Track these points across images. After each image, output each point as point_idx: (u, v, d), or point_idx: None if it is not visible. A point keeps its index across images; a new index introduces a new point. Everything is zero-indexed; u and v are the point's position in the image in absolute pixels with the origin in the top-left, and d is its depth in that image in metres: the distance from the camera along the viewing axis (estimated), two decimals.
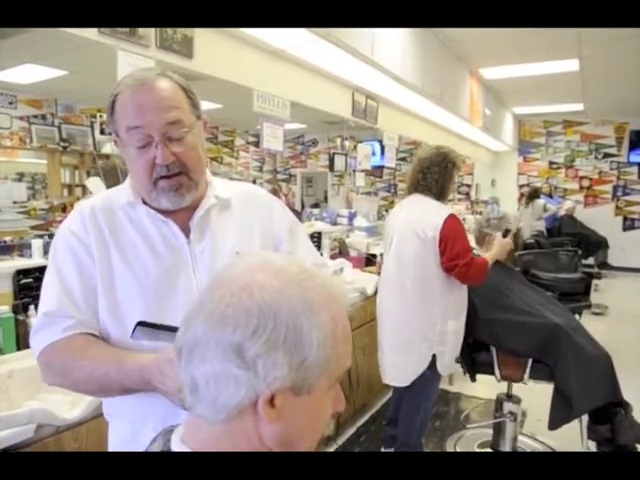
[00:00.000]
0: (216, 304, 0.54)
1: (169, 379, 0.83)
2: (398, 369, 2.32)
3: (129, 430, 0.99)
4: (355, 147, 4.72)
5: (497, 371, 2.44)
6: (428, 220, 2.21)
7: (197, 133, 0.97)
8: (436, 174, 2.27)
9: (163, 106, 0.91)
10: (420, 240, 2.21)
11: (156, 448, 0.62)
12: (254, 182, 10.15)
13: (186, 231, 0.98)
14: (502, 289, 2.46)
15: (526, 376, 2.36)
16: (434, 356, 2.23)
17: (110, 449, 1.04)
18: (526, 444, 2.79)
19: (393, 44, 3.68)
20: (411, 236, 2.25)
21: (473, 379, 2.63)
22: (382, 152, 5.24)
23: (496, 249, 2.35)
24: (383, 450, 2.65)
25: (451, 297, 2.25)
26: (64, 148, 6.87)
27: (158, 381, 0.85)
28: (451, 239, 2.17)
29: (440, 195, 2.30)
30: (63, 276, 0.95)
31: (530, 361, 2.34)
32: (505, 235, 2.40)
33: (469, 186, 9.54)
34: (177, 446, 0.59)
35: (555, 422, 2.24)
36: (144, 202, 0.99)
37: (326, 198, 10.10)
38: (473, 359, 2.54)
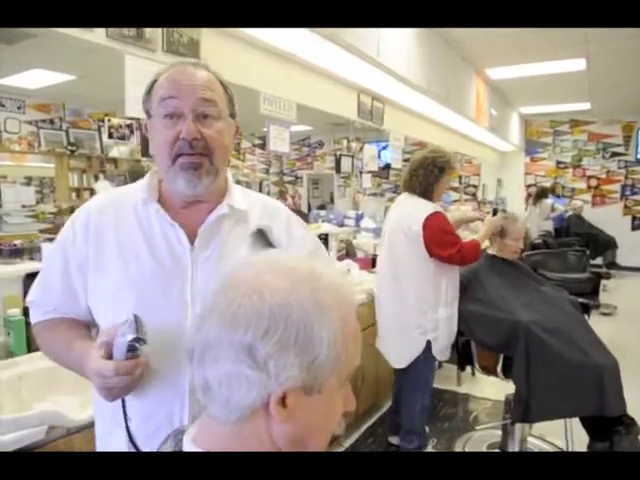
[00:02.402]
0: (228, 304, 0.54)
1: (92, 369, 0.84)
2: (398, 352, 2.50)
3: (105, 429, 0.98)
4: (361, 148, 4.72)
5: (476, 362, 2.50)
6: (412, 216, 2.38)
7: (227, 126, 0.97)
8: (420, 176, 2.42)
9: (199, 85, 0.93)
10: (405, 235, 2.39)
11: (168, 449, 0.63)
12: (260, 184, 10.19)
13: (193, 237, 0.96)
14: (486, 284, 2.49)
15: (499, 369, 2.38)
16: (429, 342, 2.39)
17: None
18: (535, 445, 2.76)
19: (398, 45, 3.68)
20: (398, 231, 2.44)
21: (462, 368, 2.75)
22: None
23: (485, 227, 2.51)
24: (390, 439, 2.79)
25: (442, 285, 2.39)
26: (72, 152, 6.92)
27: (90, 369, 0.86)
28: (437, 233, 2.32)
29: (425, 195, 2.44)
30: (48, 272, 1.02)
31: (502, 355, 2.35)
32: (494, 214, 2.57)
33: (476, 187, 9.50)
34: (189, 446, 0.59)
35: (512, 418, 2.25)
36: (159, 200, 0.98)
37: (332, 199, 10.11)
38: (464, 349, 2.58)
